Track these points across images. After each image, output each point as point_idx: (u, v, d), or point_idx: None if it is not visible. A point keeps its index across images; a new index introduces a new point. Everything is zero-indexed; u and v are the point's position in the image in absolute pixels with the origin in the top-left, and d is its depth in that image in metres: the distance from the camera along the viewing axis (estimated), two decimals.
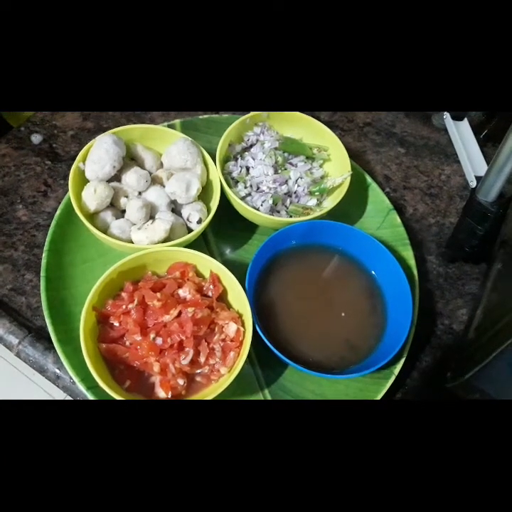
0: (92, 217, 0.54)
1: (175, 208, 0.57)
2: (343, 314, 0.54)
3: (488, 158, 0.70)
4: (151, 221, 0.52)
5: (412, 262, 0.60)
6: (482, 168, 0.67)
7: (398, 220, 0.63)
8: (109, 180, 0.54)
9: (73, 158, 0.55)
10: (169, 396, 0.45)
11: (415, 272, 0.59)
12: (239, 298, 0.50)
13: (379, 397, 0.50)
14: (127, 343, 0.47)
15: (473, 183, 0.66)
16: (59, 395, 1.20)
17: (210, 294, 0.50)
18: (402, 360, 0.52)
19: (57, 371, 0.50)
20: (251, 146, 0.63)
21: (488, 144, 0.75)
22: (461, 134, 0.72)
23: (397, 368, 0.52)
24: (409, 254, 0.61)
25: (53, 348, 0.49)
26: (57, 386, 0.51)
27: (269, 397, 0.51)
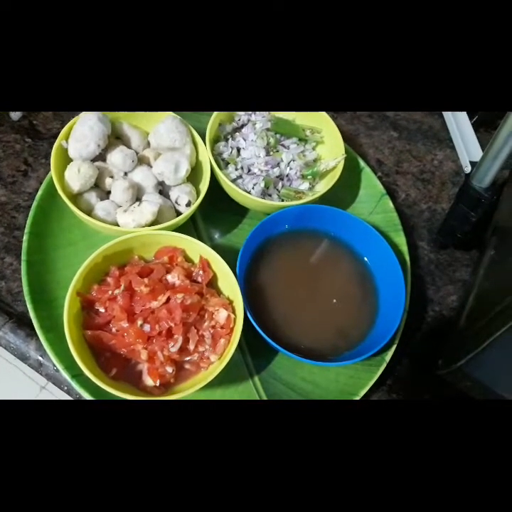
0: (75, 198, 0.51)
1: (162, 189, 0.55)
2: (334, 301, 0.53)
3: (481, 143, 0.69)
4: (137, 203, 0.50)
5: (404, 248, 0.59)
6: (476, 152, 0.66)
7: (391, 205, 0.62)
8: (93, 160, 0.52)
9: (55, 136, 0.52)
10: (157, 384, 0.44)
11: (407, 258, 0.59)
12: (229, 284, 0.48)
13: (370, 383, 0.50)
14: (113, 329, 0.45)
15: (467, 169, 0.65)
16: (42, 380, 1.19)
17: (199, 279, 0.49)
18: (394, 347, 0.52)
19: (40, 358, 0.49)
20: (242, 126, 0.61)
21: (481, 129, 0.74)
22: (457, 118, 0.71)
23: (389, 355, 0.52)
24: (401, 240, 0.60)
25: (36, 334, 0.47)
26: (40, 374, 0.49)
27: (259, 385, 0.50)
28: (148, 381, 0.45)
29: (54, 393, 1.19)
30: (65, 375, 0.45)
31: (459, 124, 0.70)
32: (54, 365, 0.47)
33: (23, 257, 0.50)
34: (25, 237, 0.52)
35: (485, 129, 0.74)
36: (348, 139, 0.70)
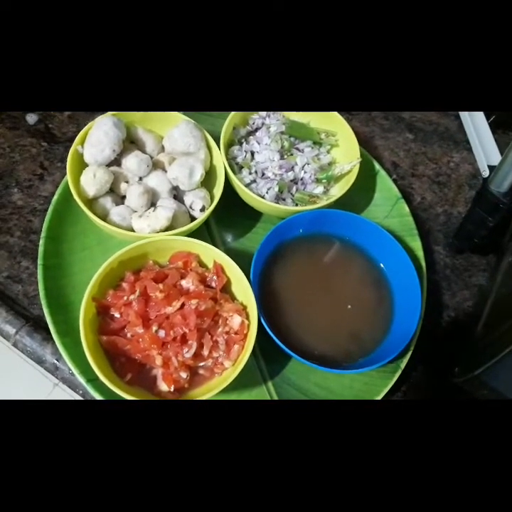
0: (90, 203, 0.51)
1: (177, 194, 0.55)
2: (349, 306, 0.52)
3: (498, 144, 0.68)
4: (152, 208, 0.50)
5: (420, 253, 0.59)
6: (494, 156, 0.65)
7: (407, 209, 0.61)
8: (108, 165, 0.52)
9: (70, 140, 0.53)
10: (172, 389, 0.44)
11: (423, 263, 0.58)
12: (243, 289, 0.48)
13: (385, 390, 0.50)
14: (128, 335, 0.46)
15: (485, 173, 0.64)
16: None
17: (213, 284, 0.49)
18: (409, 354, 0.51)
19: (56, 362, 0.49)
20: (256, 129, 0.60)
21: (498, 130, 0.72)
22: (474, 120, 0.70)
23: (404, 362, 0.51)
24: (417, 245, 0.59)
25: (52, 338, 0.48)
26: (56, 377, 0.50)
27: (272, 390, 0.50)
28: (163, 386, 0.45)
29: (67, 391, 1.21)
30: (81, 380, 0.46)
31: (476, 125, 0.69)
32: (69, 369, 0.47)
33: (39, 260, 0.51)
34: (41, 241, 0.52)
35: (503, 130, 0.72)
36: (362, 141, 0.69)
